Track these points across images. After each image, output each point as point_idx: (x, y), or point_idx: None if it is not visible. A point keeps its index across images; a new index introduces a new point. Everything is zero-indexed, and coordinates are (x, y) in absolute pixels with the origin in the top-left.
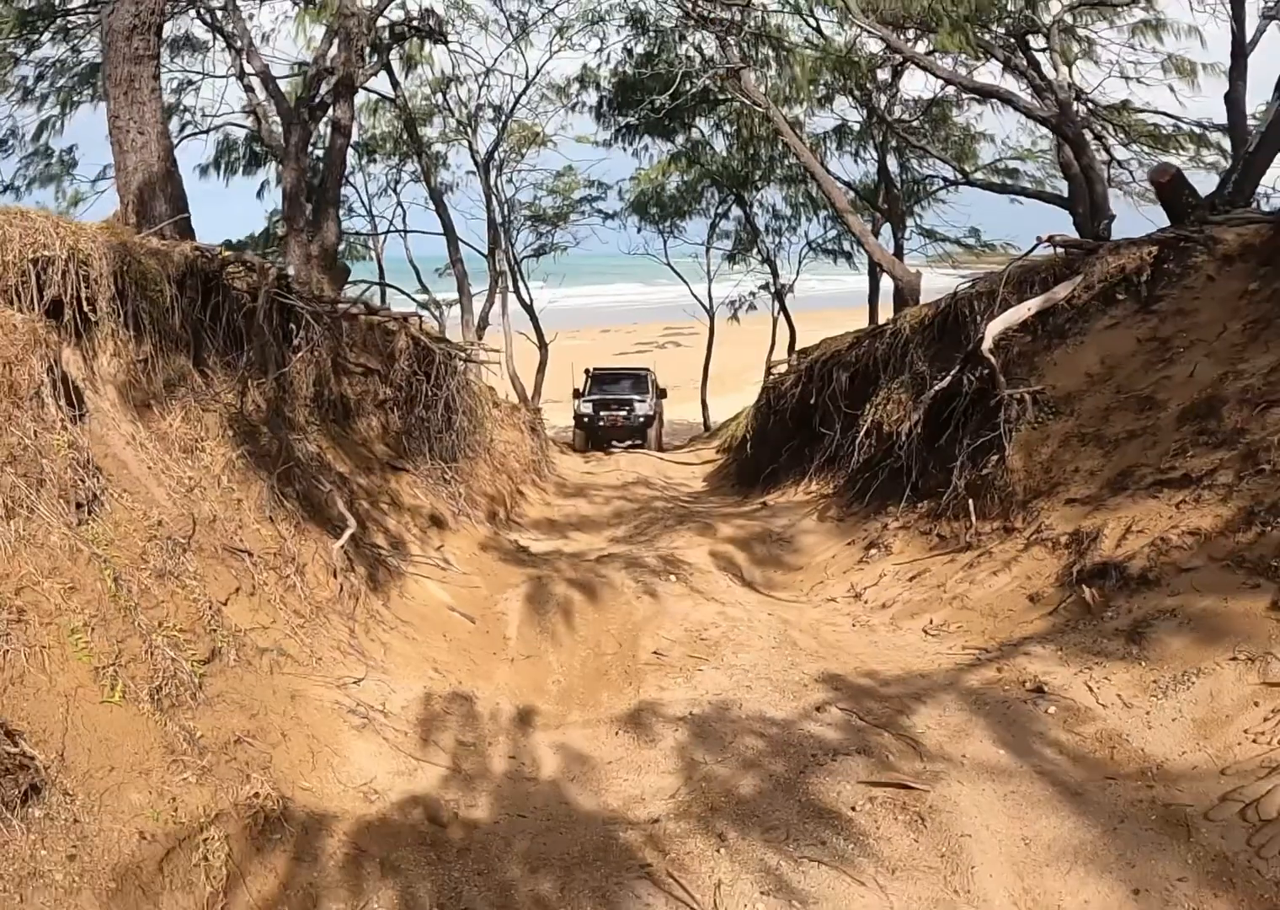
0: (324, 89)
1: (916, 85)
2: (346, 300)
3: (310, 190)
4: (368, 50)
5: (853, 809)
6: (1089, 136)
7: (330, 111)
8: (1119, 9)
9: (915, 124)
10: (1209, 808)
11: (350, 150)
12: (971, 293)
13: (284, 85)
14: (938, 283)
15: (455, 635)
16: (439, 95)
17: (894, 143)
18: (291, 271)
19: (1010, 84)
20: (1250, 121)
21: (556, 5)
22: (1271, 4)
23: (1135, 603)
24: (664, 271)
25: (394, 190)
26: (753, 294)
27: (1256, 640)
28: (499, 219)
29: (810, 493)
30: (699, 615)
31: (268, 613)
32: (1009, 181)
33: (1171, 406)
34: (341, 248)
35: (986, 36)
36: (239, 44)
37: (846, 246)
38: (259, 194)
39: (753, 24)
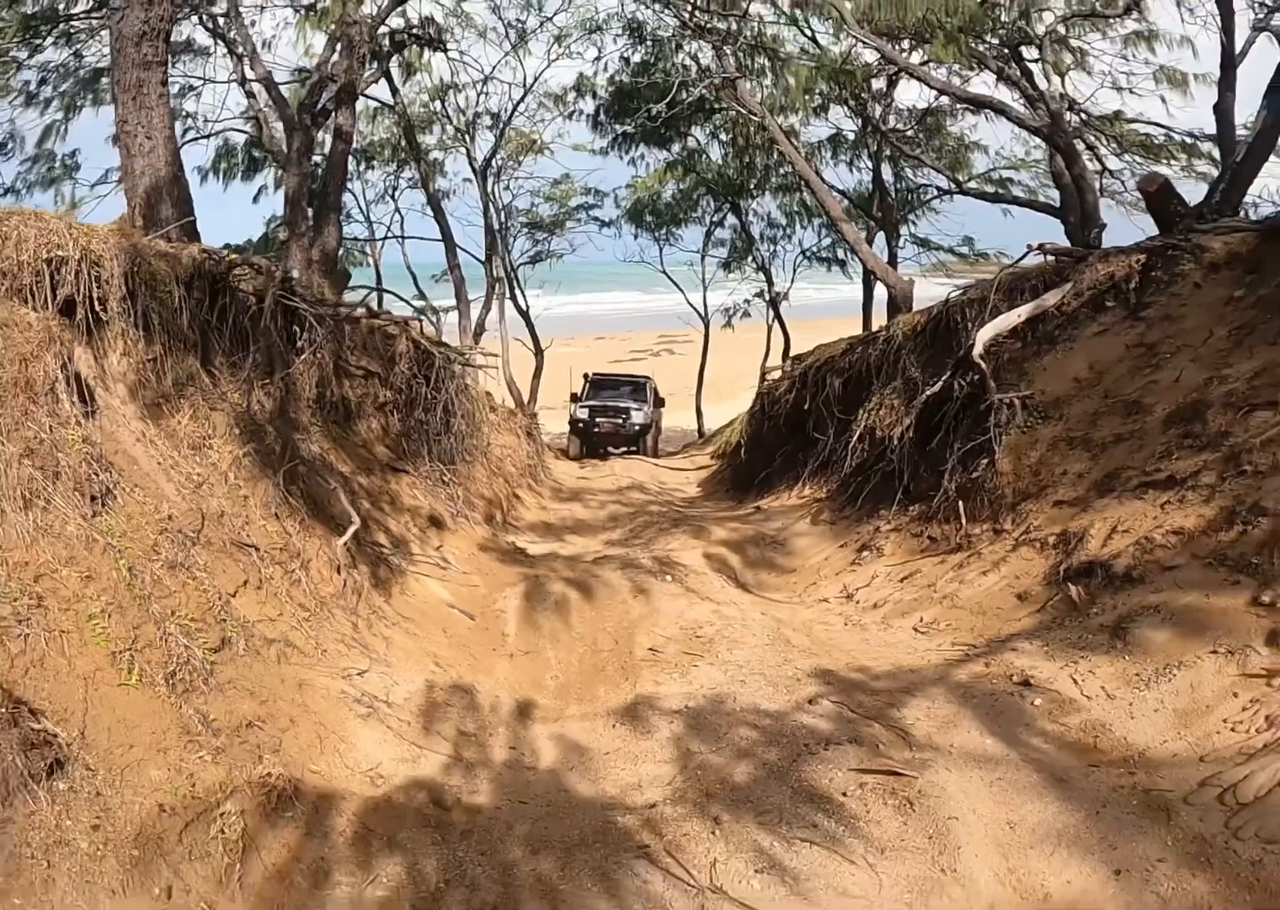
0: (326, 96)
1: (911, 95)
2: (349, 304)
3: (311, 196)
4: (368, 57)
5: (844, 794)
6: (1081, 146)
7: (332, 118)
8: (1111, 20)
9: (910, 133)
10: (1188, 793)
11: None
12: (963, 300)
13: (285, 91)
14: (932, 291)
15: (455, 631)
16: (437, 103)
17: (888, 152)
18: (296, 275)
19: (1004, 94)
20: (1240, 132)
21: (555, 14)
22: (1261, 16)
23: (1120, 599)
24: (661, 279)
25: (392, 197)
26: (747, 302)
27: (1236, 634)
28: (496, 226)
29: (804, 497)
30: (694, 614)
31: (274, 606)
32: (1002, 191)
33: (1158, 410)
34: (340, 253)
35: (981, 47)
36: (241, 50)
37: (841, 254)
38: (255, 199)
39: (749, 34)
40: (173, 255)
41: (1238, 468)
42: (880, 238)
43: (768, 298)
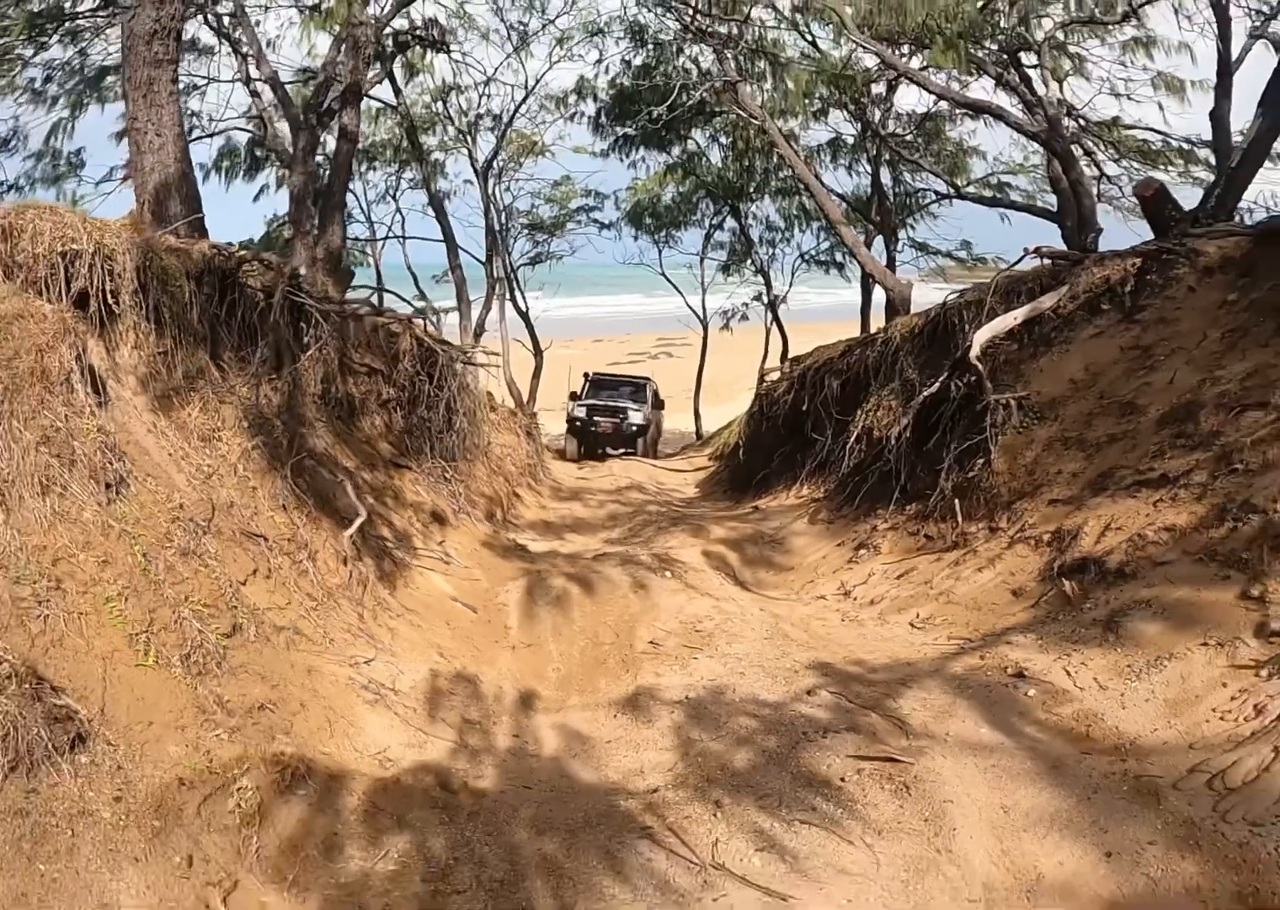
0: (331, 95)
1: (910, 99)
2: (354, 301)
3: (316, 194)
4: (373, 58)
5: (842, 779)
6: (1079, 152)
7: (337, 118)
8: (1110, 27)
9: (908, 138)
10: (1178, 779)
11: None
12: (960, 302)
13: (289, 91)
14: (930, 296)
15: (458, 624)
16: (439, 104)
17: (887, 156)
18: (303, 272)
19: (1003, 100)
20: (1236, 138)
21: (557, 17)
22: (1258, 23)
23: (1113, 594)
24: (660, 282)
25: (393, 197)
26: (746, 305)
27: (1226, 627)
28: (497, 227)
29: (802, 497)
30: (693, 608)
31: (283, 594)
32: (1000, 196)
33: (1152, 411)
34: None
35: (980, 53)
36: (246, 50)
37: (839, 258)
38: (257, 198)
39: (750, 38)
40: (183, 250)
41: (1229, 466)
42: (879, 242)
43: (766, 301)
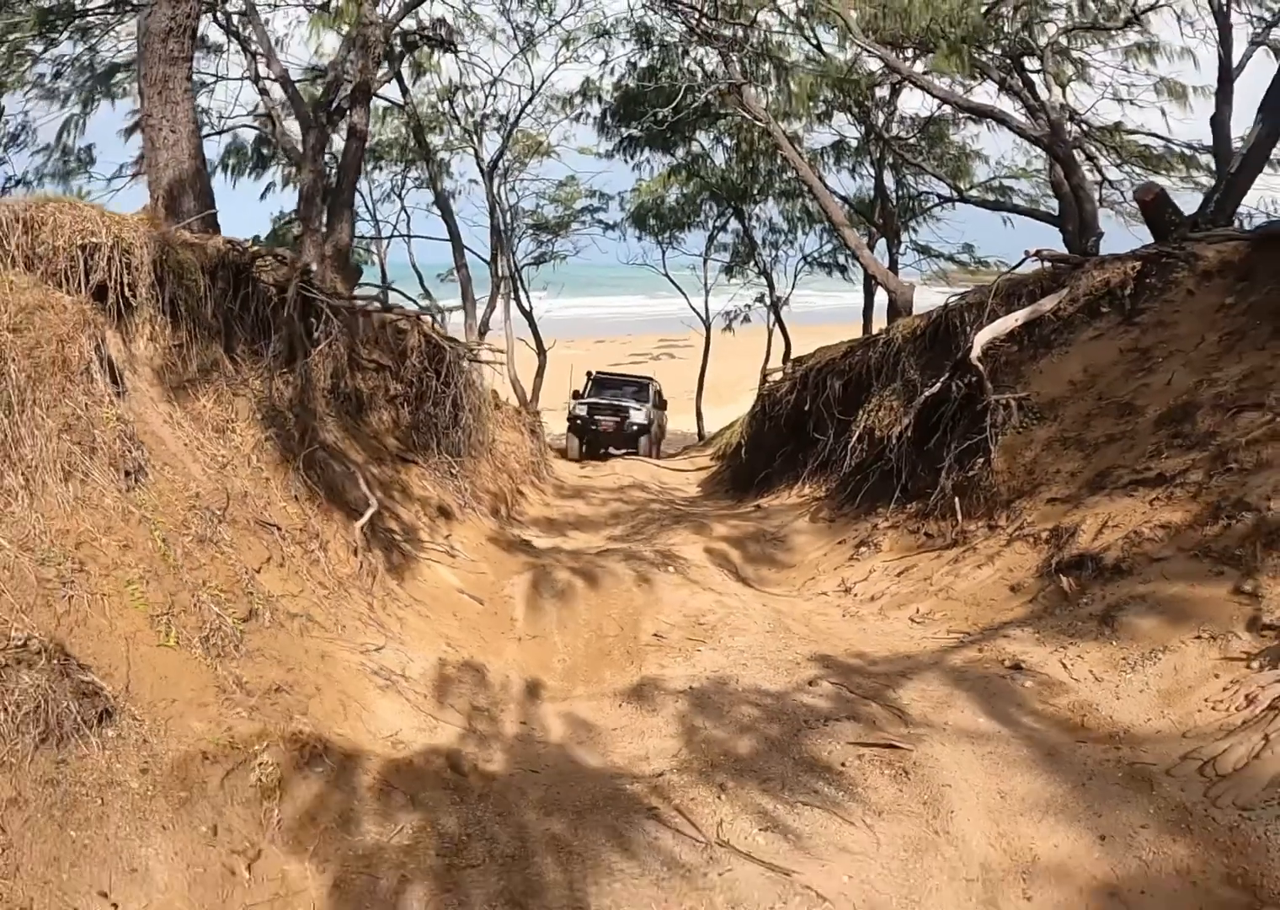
0: (341, 94)
1: (914, 103)
2: (364, 297)
3: (325, 192)
4: (382, 58)
5: (843, 764)
6: (1081, 157)
7: (347, 116)
8: (1113, 33)
9: (912, 141)
10: (1170, 766)
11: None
12: (962, 304)
13: (298, 89)
14: (933, 299)
15: (465, 615)
16: (446, 103)
17: (890, 159)
18: (314, 268)
19: (1006, 104)
20: (1236, 143)
21: (564, 18)
22: (1259, 31)
23: (1109, 590)
24: (664, 283)
25: (399, 196)
26: (748, 306)
27: (1219, 621)
28: (501, 226)
29: (803, 496)
30: (697, 602)
31: (296, 582)
32: (1002, 199)
33: (1149, 412)
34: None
35: (983, 57)
36: (255, 48)
37: (842, 260)
38: (263, 196)
39: (755, 41)
40: (199, 245)
41: (1224, 465)
42: (881, 244)
43: (769, 302)
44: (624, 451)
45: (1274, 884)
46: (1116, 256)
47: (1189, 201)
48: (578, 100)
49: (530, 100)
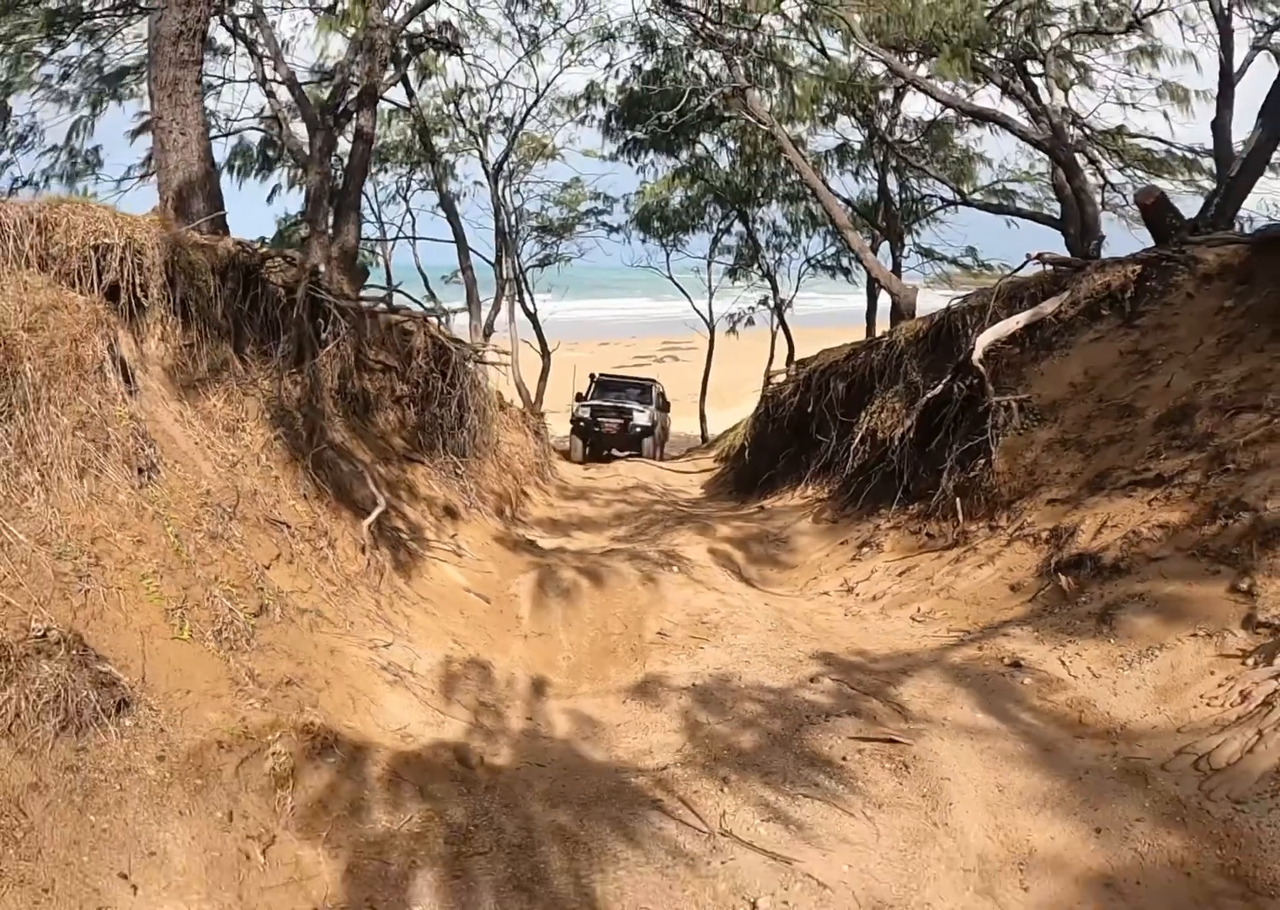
0: (348, 97)
1: (917, 107)
2: (371, 298)
3: (332, 194)
4: (388, 61)
5: (844, 758)
6: (1084, 160)
7: (354, 119)
8: (1115, 37)
9: (915, 144)
10: (1166, 760)
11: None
12: (964, 307)
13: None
14: (936, 303)
15: (471, 613)
16: (451, 106)
17: (894, 162)
18: (322, 269)
19: (1009, 108)
20: (1237, 147)
21: (568, 21)
22: (1261, 35)
23: (1107, 589)
24: (669, 286)
25: (404, 198)
26: (752, 309)
27: (1215, 619)
28: (506, 228)
29: (806, 497)
30: (700, 601)
31: (305, 579)
32: (1005, 203)
33: (1149, 414)
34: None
35: (986, 62)
36: (263, 51)
37: (846, 263)
38: (270, 198)
39: (759, 45)
40: (209, 246)
41: (1222, 466)
42: (885, 247)
43: (772, 305)
44: (627, 453)
45: (1266, 875)
46: (1117, 260)
47: (1191, 205)
48: (582, 103)
49: (535, 103)
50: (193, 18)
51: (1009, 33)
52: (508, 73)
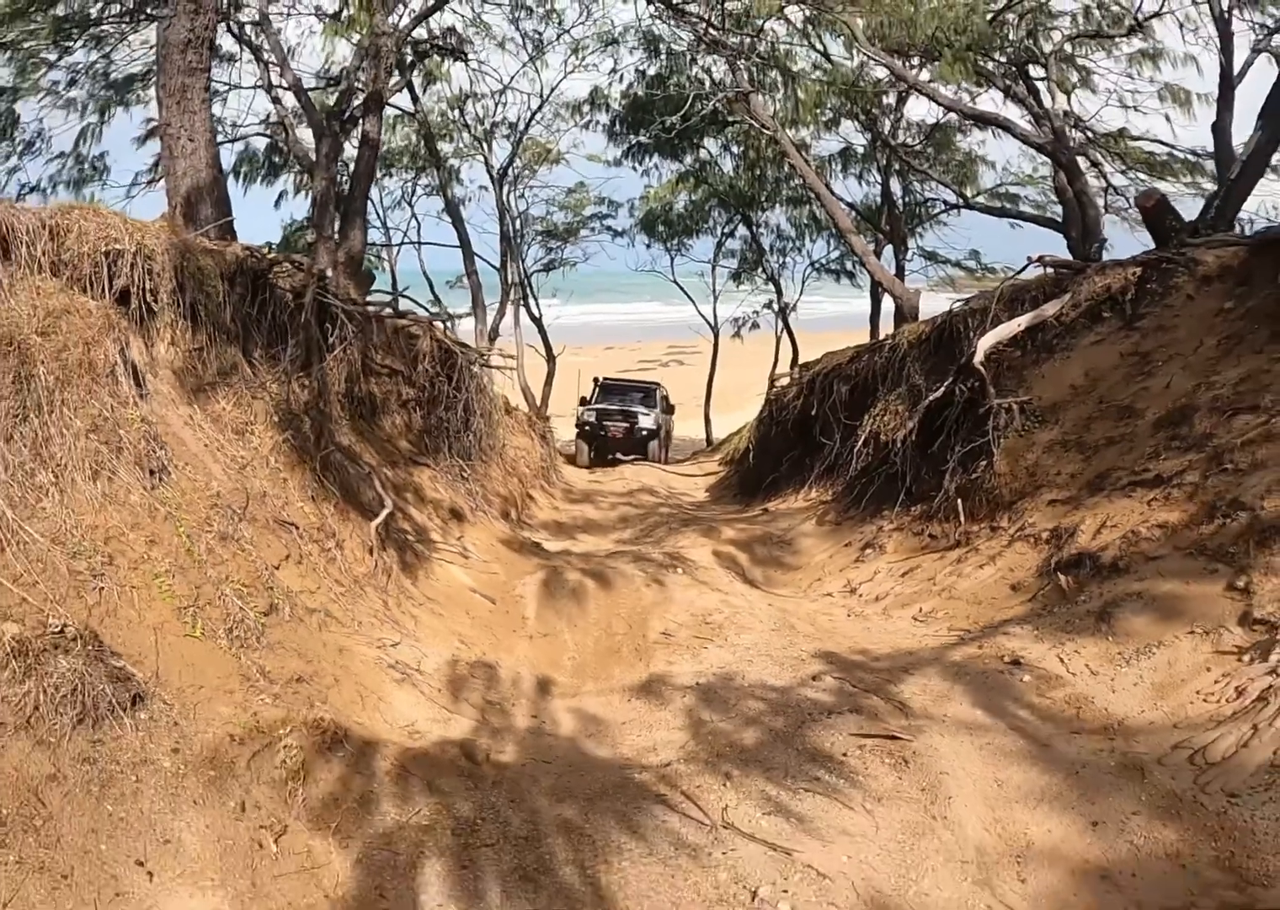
0: (354, 103)
1: (920, 110)
2: (377, 303)
3: (338, 200)
4: (394, 67)
5: (844, 754)
6: (1086, 163)
7: (359, 125)
8: (1117, 40)
9: (918, 148)
10: (1162, 755)
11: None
12: (965, 310)
13: (311, 97)
14: (940, 306)
15: (477, 614)
16: (456, 111)
17: (897, 166)
18: (330, 274)
19: (1011, 112)
20: (1238, 149)
21: (572, 27)
22: (1261, 37)
23: (1106, 588)
24: (674, 290)
25: (409, 203)
26: (756, 313)
27: (1212, 616)
28: (511, 233)
29: (810, 499)
30: (704, 602)
31: (313, 580)
32: (1008, 206)
33: (1148, 415)
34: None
35: (988, 65)
36: (269, 57)
37: (850, 266)
38: (277, 204)
39: (762, 49)
40: (218, 252)
41: (1220, 466)
42: (888, 251)
43: (776, 309)
44: (633, 457)
45: (1260, 866)
46: (1118, 262)
47: (1193, 208)
48: (586, 108)
49: (540, 108)
50: (200, 26)
51: (1011, 36)
52: (512, 78)
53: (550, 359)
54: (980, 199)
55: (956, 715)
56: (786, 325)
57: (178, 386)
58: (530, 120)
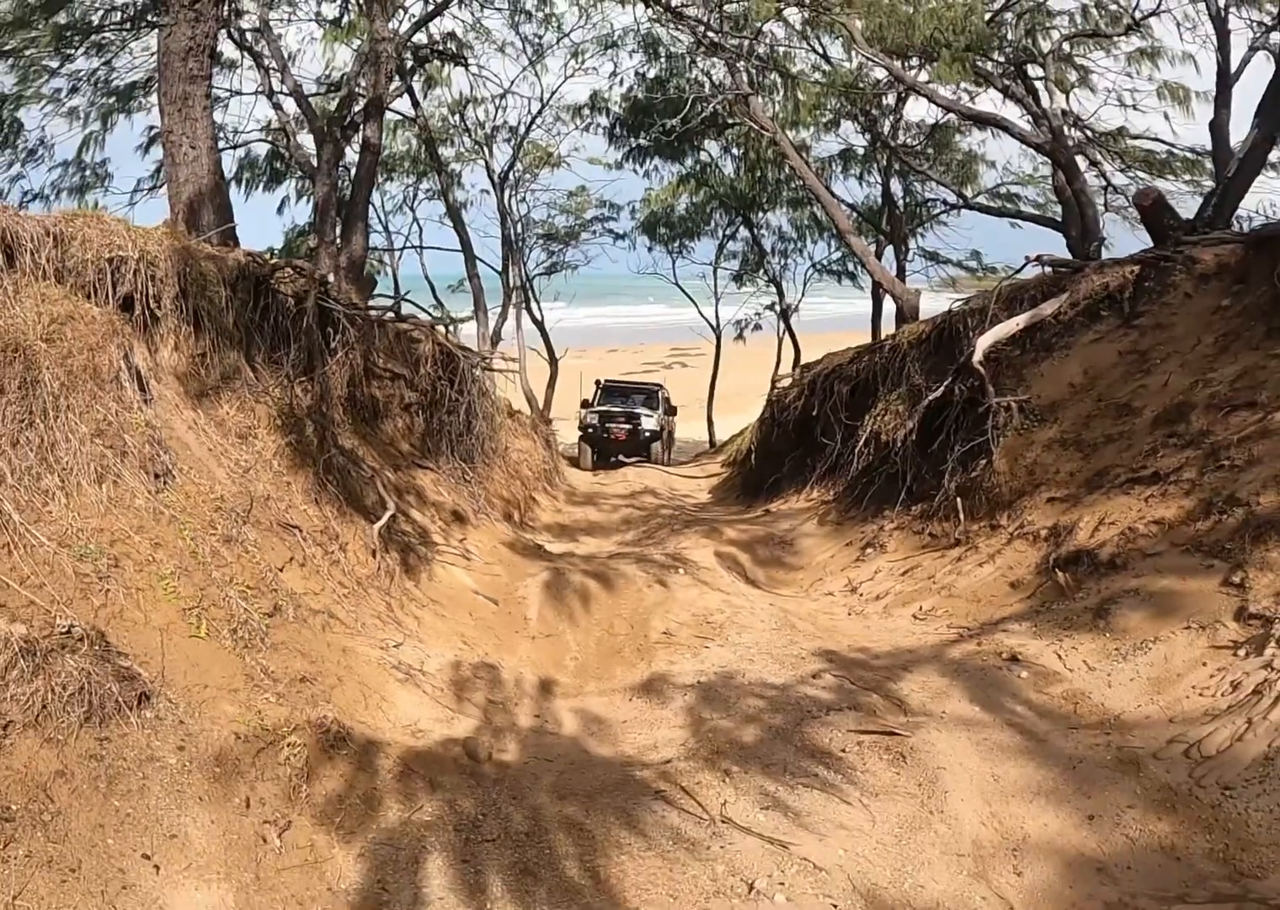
0: (355, 109)
1: (920, 110)
2: (379, 307)
3: (339, 205)
4: (394, 72)
5: (843, 750)
6: (1085, 162)
7: (360, 131)
8: (1115, 39)
9: (918, 148)
10: (1157, 749)
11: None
12: (965, 309)
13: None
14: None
15: (480, 615)
16: (456, 116)
17: (897, 166)
18: (331, 279)
19: (1011, 112)
20: (1236, 147)
21: (571, 30)
22: (1259, 35)
23: (1104, 584)
24: (677, 293)
25: (411, 207)
26: (758, 314)
27: (1207, 612)
28: (512, 236)
29: (812, 500)
30: (705, 602)
31: (317, 581)
32: (1009, 205)
33: (1146, 413)
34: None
35: (987, 65)
36: (269, 63)
37: (851, 267)
38: (280, 210)
39: (761, 52)
40: (220, 258)
41: (1216, 463)
42: (890, 251)
43: (778, 310)
44: (635, 459)
45: (1253, 858)
46: (1116, 261)
47: (1193, 206)
48: (587, 111)
49: (540, 112)
50: (201, 34)
51: (1009, 36)
52: (512, 82)
53: (553, 362)
54: (981, 199)
55: (954, 711)
56: (788, 326)
57: (181, 391)
58: (531, 124)
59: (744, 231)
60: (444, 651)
